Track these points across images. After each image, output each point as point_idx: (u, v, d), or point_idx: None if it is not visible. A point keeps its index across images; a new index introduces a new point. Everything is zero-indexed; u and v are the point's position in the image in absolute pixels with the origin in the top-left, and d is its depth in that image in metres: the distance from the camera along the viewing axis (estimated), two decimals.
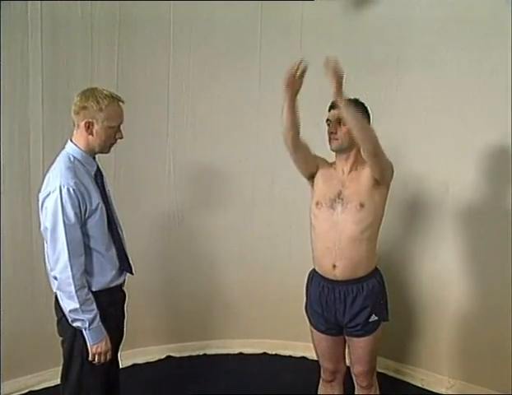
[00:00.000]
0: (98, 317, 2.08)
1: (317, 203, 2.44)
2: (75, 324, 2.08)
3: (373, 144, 2.23)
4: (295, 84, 2.24)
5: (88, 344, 2.09)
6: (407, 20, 3.23)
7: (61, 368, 2.22)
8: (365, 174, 2.36)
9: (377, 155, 2.25)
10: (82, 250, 2.07)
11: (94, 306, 2.08)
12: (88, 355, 2.11)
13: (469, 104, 3.08)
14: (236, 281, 3.77)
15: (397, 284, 3.27)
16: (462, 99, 3.10)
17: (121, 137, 2.20)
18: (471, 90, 3.06)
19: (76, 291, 2.02)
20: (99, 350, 2.10)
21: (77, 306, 2.03)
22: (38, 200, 2.10)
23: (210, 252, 3.76)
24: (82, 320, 2.05)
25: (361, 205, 2.33)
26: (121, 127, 2.19)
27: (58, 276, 2.03)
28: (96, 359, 2.11)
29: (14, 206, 3.12)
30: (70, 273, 2.01)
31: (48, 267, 2.10)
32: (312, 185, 2.54)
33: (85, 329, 2.07)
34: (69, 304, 2.04)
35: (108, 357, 2.14)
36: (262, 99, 3.64)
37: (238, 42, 3.58)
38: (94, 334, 2.08)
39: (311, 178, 2.55)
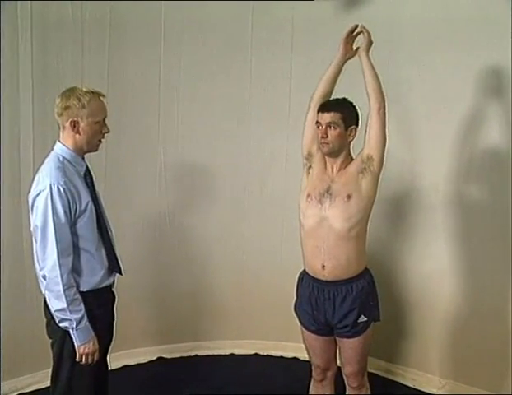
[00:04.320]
0: (85, 317, 2.07)
1: (308, 195, 2.44)
2: (62, 324, 2.07)
3: (382, 97, 2.38)
4: (349, 45, 2.58)
5: (75, 344, 2.08)
6: (398, 21, 3.24)
7: (51, 370, 2.21)
8: (352, 165, 2.40)
9: (382, 112, 2.37)
10: (71, 250, 2.06)
11: (81, 306, 2.07)
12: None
13: (461, 104, 3.09)
14: (227, 282, 3.77)
15: (387, 284, 3.28)
16: (453, 100, 3.11)
17: (107, 132, 2.20)
18: (462, 91, 3.08)
19: (64, 291, 2.01)
20: (86, 350, 2.09)
21: (65, 306, 2.02)
22: (28, 201, 2.09)
23: (201, 253, 3.75)
24: (70, 320, 2.05)
25: (348, 196, 2.33)
26: (106, 121, 2.19)
27: (46, 275, 2.03)
28: (84, 359, 2.10)
29: (4, 208, 3.10)
30: (58, 272, 2.00)
31: (38, 267, 2.09)
32: (307, 174, 2.54)
33: (72, 329, 2.06)
34: (57, 304, 2.04)
35: (95, 358, 2.13)
36: (254, 99, 3.65)
37: (229, 42, 3.58)
38: (81, 334, 2.07)
39: (308, 157, 2.55)
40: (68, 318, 2.04)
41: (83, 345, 2.09)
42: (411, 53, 3.23)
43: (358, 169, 2.38)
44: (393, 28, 3.25)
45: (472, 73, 3.04)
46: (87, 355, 2.10)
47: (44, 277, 2.04)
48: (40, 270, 2.06)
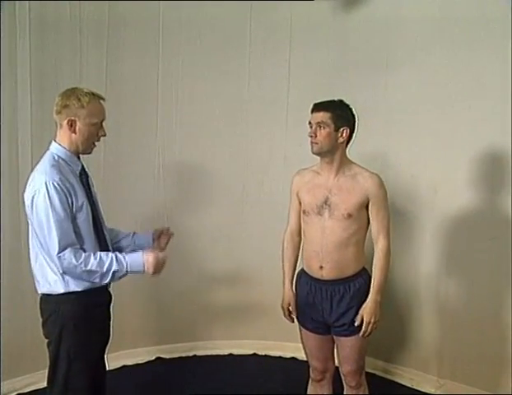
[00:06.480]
0: (119, 259, 2.09)
1: (304, 211, 2.47)
2: (119, 279, 2.14)
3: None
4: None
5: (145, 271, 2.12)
6: (397, 21, 3.24)
7: (47, 370, 2.20)
8: (359, 190, 2.36)
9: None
10: (75, 240, 2.07)
11: (106, 258, 2.08)
12: (74, 357, 2.11)
13: (459, 105, 3.09)
14: (226, 282, 3.77)
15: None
16: (451, 101, 3.11)
17: (104, 135, 2.21)
18: (460, 91, 3.08)
19: (85, 270, 2.04)
20: (151, 270, 2.12)
21: (103, 271, 2.06)
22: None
23: (199, 253, 3.75)
24: (117, 271, 2.09)
25: (349, 215, 2.34)
26: (104, 124, 2.19)
27: (66, 272, 2.05)
28: (156, 269, 2.13)
29: (3, 208, 3.10)
30: (77, 262, 2.02)
31: (34, 268, 2.12)
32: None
33: (126, 273, 2.12)
34: (100, 279, 2.08)
35: (163, 263, 2.15)
36: (252, 98, 3.66)
37: (227, 42, 3.59)
38: (135, 267, 2.11)
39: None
40: (116, 269, 2.08)
41: (146, 269, 2.11)
42: (410, 52, 3.23)
43: (362, 200, 2.36)
44: (392, 28, 3.25)
45: (471, 73, 3.03)
46: (157, 266, 2.12)
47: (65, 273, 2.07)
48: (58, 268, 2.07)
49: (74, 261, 2.02)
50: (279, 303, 2.65)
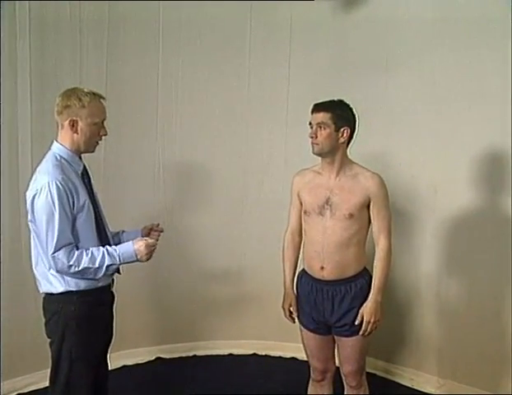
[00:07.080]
0: (113, 252, 2.11)
1: (305, 212, 2.47)
2: (113, 272, 2.21)
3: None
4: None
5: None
6: (397, 21, 3.25)
7: (49, 370, 2.20)
8: (360, 189, 2.36)
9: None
10: (72, 240, 2.08)
11: (98, 254, 2.09)
12: (76, 357, 2.11)
13: (459, 105, 3.09)
14: (226, 282, 3.77)
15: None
16: (451, 101, 3.12)
17: (105, 134, 2.21)
18: (460, 91, 3.08)
19: (83, 268, 2.06)
20: (144, 257, 2.15)
21: (96, 267, 2.07)
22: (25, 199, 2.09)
23: (199, 253, 3.75)
24: (110, 265, 2.10)
25: (351, 215, 2.34)
26: (105, 123, 2.20)
27: (70, 271, 2.05)
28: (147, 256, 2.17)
29: (3, 207, 3.09)
30: (70, 263, 2.03)
31: (35, 267, 2.13)
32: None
33: (121, 263, 2.15)
34: (96, 273, 2.09)
35: (153, 248, 2.20)
36: (252, 99, 3.66)
37: (227, 42, 3.59)
38: (127, 258, 2.14)
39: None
40: (109, 263, 2.10)
41: (139, 257, 2.14)
42: (410, 52, 3.23)
43: (363, 200, 2.35)
44: (392, 28, 3.26)
45: (471, 73, 3.04)
46: (147, 253, 2.16)
47: (70, 269, 2.06)
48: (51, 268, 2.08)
49: (67, 261, 2.03)
50: (279, 303, 2.66)
